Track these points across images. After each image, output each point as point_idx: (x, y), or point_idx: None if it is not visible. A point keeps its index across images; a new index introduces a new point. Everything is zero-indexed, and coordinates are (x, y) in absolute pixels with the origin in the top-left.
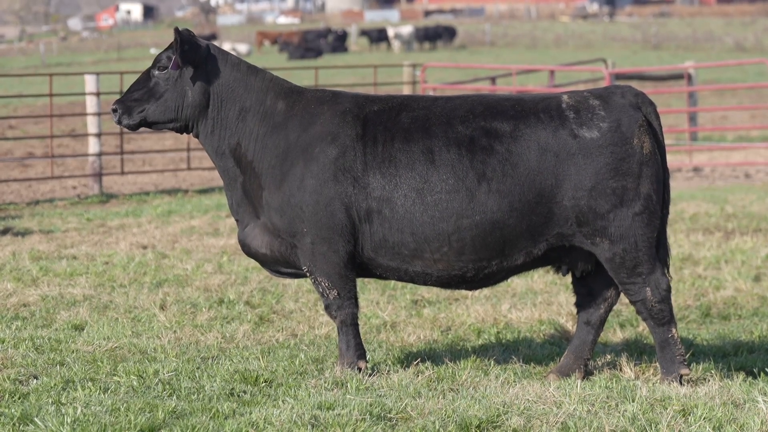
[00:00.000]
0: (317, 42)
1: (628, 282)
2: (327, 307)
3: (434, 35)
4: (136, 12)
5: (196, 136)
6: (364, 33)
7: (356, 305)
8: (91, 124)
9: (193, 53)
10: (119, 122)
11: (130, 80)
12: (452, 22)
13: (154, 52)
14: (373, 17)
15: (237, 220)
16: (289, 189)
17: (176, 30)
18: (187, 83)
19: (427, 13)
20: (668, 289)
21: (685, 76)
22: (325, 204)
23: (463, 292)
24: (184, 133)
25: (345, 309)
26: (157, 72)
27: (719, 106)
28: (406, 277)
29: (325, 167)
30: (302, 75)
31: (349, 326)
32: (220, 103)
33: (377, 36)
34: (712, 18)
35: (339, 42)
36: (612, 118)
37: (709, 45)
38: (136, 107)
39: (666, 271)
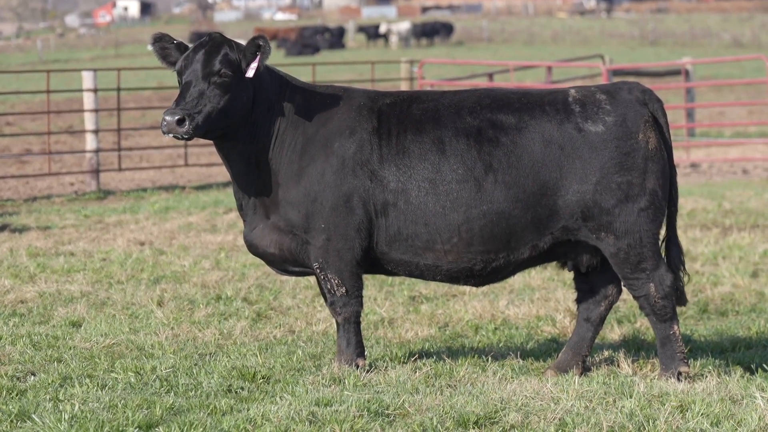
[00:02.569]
0: (314, 38)
1: (632, 277)
2: (332, 304)
3: (431, 31)
4: (134, 8)
5: (222, 142)
6: (361, 29)
7: (361, 304)
8: (89, 121)
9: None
10: (188, 133)
11: (127, 77)
12: (449, 19)
13: (151, 48)
14: (371, 14)
15: (245, 221)
16: (309, 184)
17: (263, 38)
18: (243, 88)
19: (425, 10)
20: (672, 285)
21: (682, 72)
22: (345, 200)
23: (461, 288)
24: (210, 139)
25: (350, 307)
26: (218, 78)
27: (717, 102)
28: (416, 271)
29: (345, 162)
30: (300, 71)
31: (352, 324)
32: (257, 105)
33: (374, 32)
34: (710, 14)
35: (336, 38)
36: (617, 113)
37: (707, 41)
38: (202, 115)
39: (682, 268)
